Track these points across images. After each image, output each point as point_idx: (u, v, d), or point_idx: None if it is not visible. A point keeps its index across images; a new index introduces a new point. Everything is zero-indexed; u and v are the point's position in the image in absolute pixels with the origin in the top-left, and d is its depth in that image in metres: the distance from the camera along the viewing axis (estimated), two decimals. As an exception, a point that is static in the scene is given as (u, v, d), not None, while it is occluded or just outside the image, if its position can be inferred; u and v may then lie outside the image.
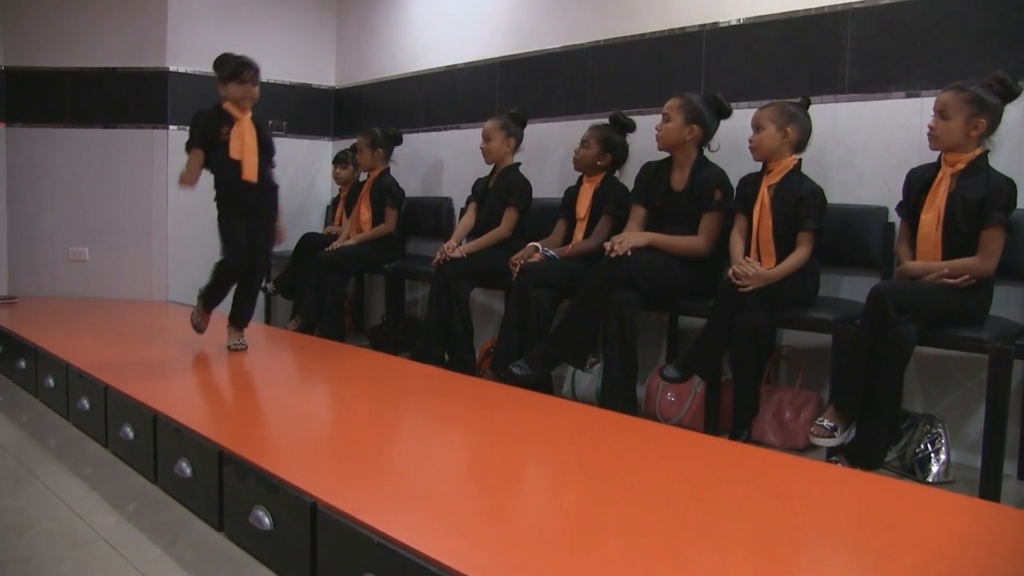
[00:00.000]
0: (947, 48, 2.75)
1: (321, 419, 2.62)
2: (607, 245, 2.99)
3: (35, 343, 3.36)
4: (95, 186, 4.97)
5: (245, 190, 3.21)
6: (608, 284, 2.91)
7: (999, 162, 2.51)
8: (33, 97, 4.97)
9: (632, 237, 3.00)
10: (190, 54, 4.88)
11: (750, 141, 2.86)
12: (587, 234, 3.43)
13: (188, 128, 3.27)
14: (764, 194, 2.82)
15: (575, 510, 1.80)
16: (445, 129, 4.62)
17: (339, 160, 4.87)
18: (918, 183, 2.57)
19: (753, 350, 2.67)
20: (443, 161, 4.65)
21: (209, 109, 3.26)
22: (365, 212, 4.40)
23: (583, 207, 3.46)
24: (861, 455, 2.42)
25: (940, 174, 2.50)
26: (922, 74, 2.81)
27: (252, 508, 1.86)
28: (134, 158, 4.91)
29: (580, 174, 3.54)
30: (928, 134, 2.51)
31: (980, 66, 2.62)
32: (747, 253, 2.83)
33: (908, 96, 2.84)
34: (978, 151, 2.45)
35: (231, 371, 3.13)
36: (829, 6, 3.02)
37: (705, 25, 3.39)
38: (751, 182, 2.90)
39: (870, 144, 2.94)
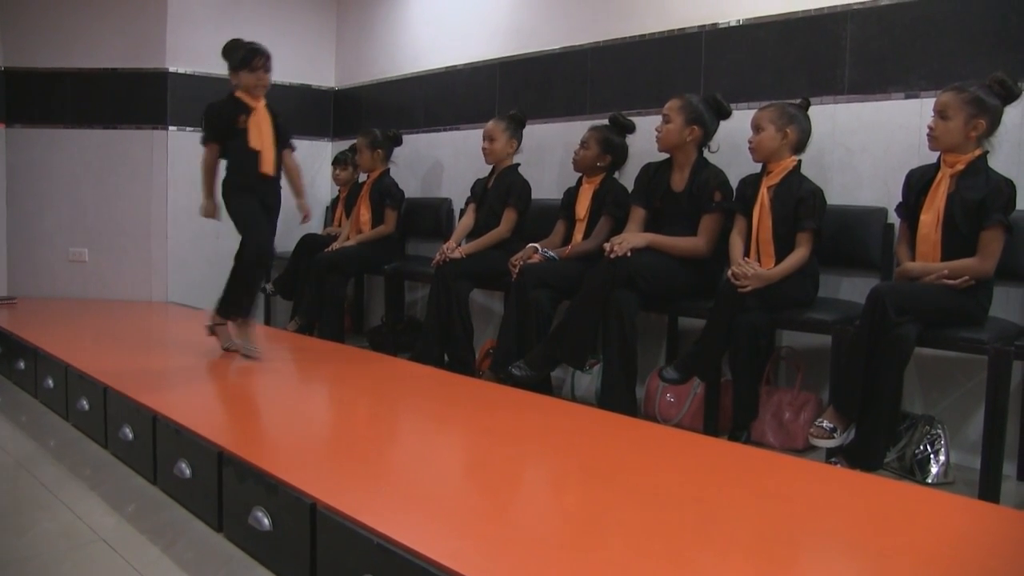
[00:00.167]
0: (946, 49, 2.76)
1: (320, 420, 2.62)
2: (607, 246, 2.99)
3: (35, 344, 3.36)
4: (95, 187, 4.97)
5: (262, 182, 3.17)
6: (608, 285, 2.91)
7: (998, 163, 2.51)
8: (33, 98, 4.97)
9: (632, 238, 3.00)
10: (190, 55, 4.88)
11: (750, 142, 2.86)
12: (586, 235, 3.43)
13: (203, 121, 3.24)
14: (764, 195, 2.82)
15: (575, 511, 1.80)
16: (444, 130, 4.62)
17: (339, 161, 4.87)
18: (917, 184, 2.57)
19: (752, 351, 2.68)
20: (442, 162, 4.65)
21: (222, 99, 3.20)
22: (365, 213, 4.40)
23: (582, 208, 3.46)
24: (860, 456, 2.42)
25: (939, 175, 2.50)
26: (921, 75, 2.81)
27: (251, 509, 1.85)
28: (134, 159, 4.91)
29: (579, 175, 3.54)
30: (928, 135, 2.51)
31: (979, 67, 2.62)
32: (747, 254, 2.84)
33: (907, 97, 2.84)
34: (977, 152, 2.45)
35: (230, 372, 3.12)
36: (829, 7, 3.02)
37: (705, 26, 3.39)
38: (751, 183, 2.90)
39: (869, 145, 2.94)
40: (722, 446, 2.40)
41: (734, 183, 3.02)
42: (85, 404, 2.80)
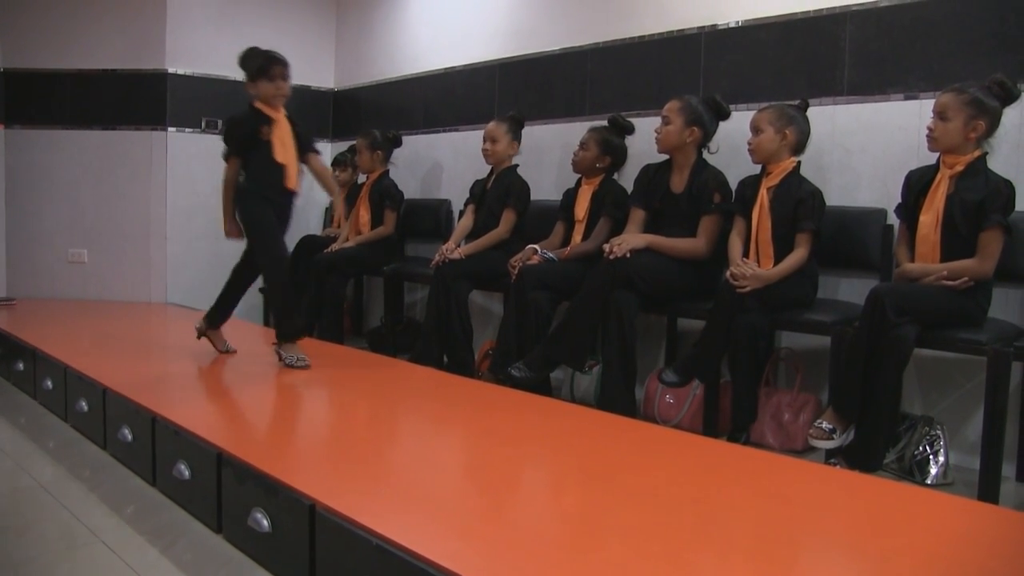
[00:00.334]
0: (945, 50, 2.76)
1: (320, 421, 2.62)
2: (606, 247, 2.99)
3: (34, 345, 3.36)
4: (94, 188, 4.97)
5: (284, 196, 3.10)
6: (607, 286, 2.91)
7: (998, 164, 2.51)
8: (32, 98, 4.97)
9: (631, 239, 3.00)
10: (189, 56, 4.88)
11: (749, 143, 2.87)
12: (586, 236, 3.43)
13: (223, 136, 3.15)
14: (763, 196, 2.82)
15: (574, 512, 1.80)
16: (444, 131, 4.63)
17: (338, 162, 4.87)
18: (917, 185, 2.58)
19: (752, 352, 2.68)
20: (442, 163, 4.66)
21: (242, 113, 3.10)
22: (364, 214, 4.40)
23: (582, 209, 3.47)
24: (860, 457, 2.42)
25: (939, 176, 2.50)
26: (920, 76, 2.81)
27: (251, 510, 1.85)
28: (133, 160, 4.91)
29: (579, 176, 3.54)
30: (927, 135, 2.51)
31: (978, 68, 2.62)
32: (746, 255, 2.84)
33: (907, 98, 2.85)
34: (977, 153, 2.45)
35: (230, 373, 3.12)
36: (828, 8, 3.02)
37: (704, 27, 3.40)
38: (750, 184, 2.91)
39: (869, 146, 2.94)
40: (721, 447, 2.40)
41: (733, 184, 3.02)
42: (84, 405, 2.79)
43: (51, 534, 2.03)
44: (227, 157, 3.11)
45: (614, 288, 2.90)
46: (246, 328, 4.45)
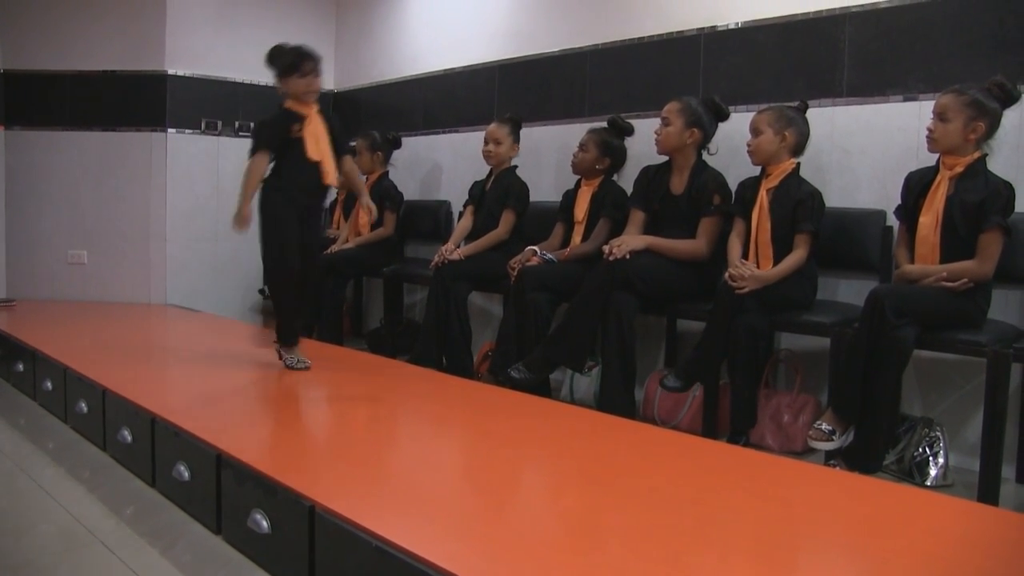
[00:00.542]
0: (945, 52, 2.76)
1: (319, 422, 2.62)
2: (605, 248, 2.99)
3: (33, 346, 3.36)
4: (94, 189, 4.96)
5: (319, 195, 3.03)
6: (606, 287, 2.91)
7: (997, 166, 2.51)
8: (32, 100, 4.97)
9: (630, 240, 3.00)
10: (189, 57, 4.88)
11: (748, 145, 2.87)
12: (585, 237, 3.43)
13: (253, 135, 3.08)
14: (763, 198, 2.82)
15: (573, 514, 1.80)
16: (443, 132, 4.63)
17: (338, 163, 4.86)
18: (916, 186, 2.58)
19: (751, 353, 2.68)
20: (441, 164, 4.66)
21: (272, 115, 3.01)
22: (364, 215, 4.39)
23: (581, 210, 3.47)
24: (859, 458, 2.42)
25: (938, 177, 2.50)
26: (920, 78, 2.82)
27: (250, 511, 1.85)
28: (133, 161, 4.91)
29: (578, 177, 3.54)
30: (927, 137, 2.52)
31: (978, 70, 2.62)
32: (745, 256, 2.84)
33: (906, 100, 2.85)
34: (976, 154, 2.45)
35: (229, 374, 3.12)
36: (827, 10, 3.02)
37: (703, 29, 3.40)
38: (750, 186, 2.91)
39: (868, 147, 2.94)
40: (721, 449, 2.40)
41: (733, 186, 3.02)
42: (84, 406, 2.79)
43: (51, 535, 2.03)
44: (255, 151, 2.95)
45: (613, 289, 2.90)
46: (245, 329, 4.45)
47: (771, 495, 1.91)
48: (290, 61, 2.92)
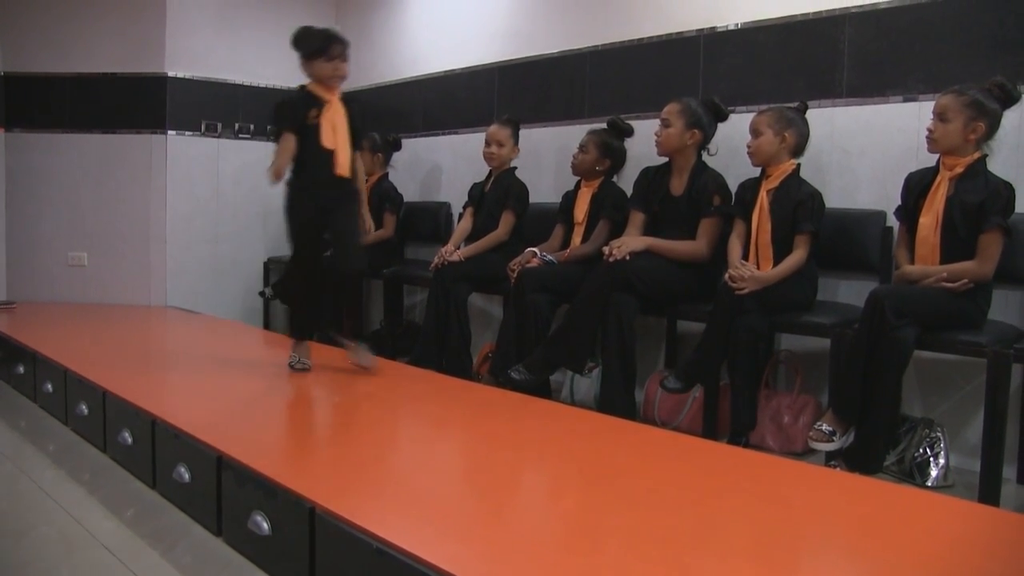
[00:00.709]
0: (944, 52, 2.76)
1: (319, 424, 2.62)
2: (605, 249, 2.99)
3: (34, 348, 3.36)
4: (94, 191, 4.97)
5: (335, 184, 2.88)
6: (606, 288, 2.91)
7: (997, 166, 2.51)
8: (32, 102, 4.97)
9: (630, 241, 3.00)
10: (188, 59, 4.88)
11: (748, 146, 2.87)
12: (585, 238, 3.44)
13: (272, 118, 2.95)
14: (763, 199, 2.83)
15: (573, 515, 1.80)
16: (443, 134, 4.63)
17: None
18: (916, 187, 2.58)
19: (752, 354, 2.67)
20: (441, 166, 4.66)
21: (292, 95, 2.93)
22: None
23: (581, 211, 3.47)
24: (860, 459, 2.41)
25: (938, 178, 2.50)
26: (919, 78, 2.82)
27: (250, 513, 1.85)
28: (133, 163, 4.91)
29: (578, 179, 3.55)
30: (927, 137, 2.52)
31: (977, 70, 2.62)
32: (745, 257, 2.84)
33: (906, 100, 2.85)
34: (976, 155, 2.45)
35: (229, 376, 3.12)
36: (827, 11, 3.02)
37: (703, 30, 3.40)
38: (750, 187, 2.91)
39: (868, 148, 2.94)
40: (721, 450, 2.40)
41: (732, 187, 3.02)
42: (84, 408, 2.79)
43: (51, 537, 2.03)
44: (279, 133, 2.83)
45: (613, 290, 2.90)
46: (245, 331, 4.45)
47: (772, 496, 1.91)
48: (319, 44, 2.84)
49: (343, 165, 2.87)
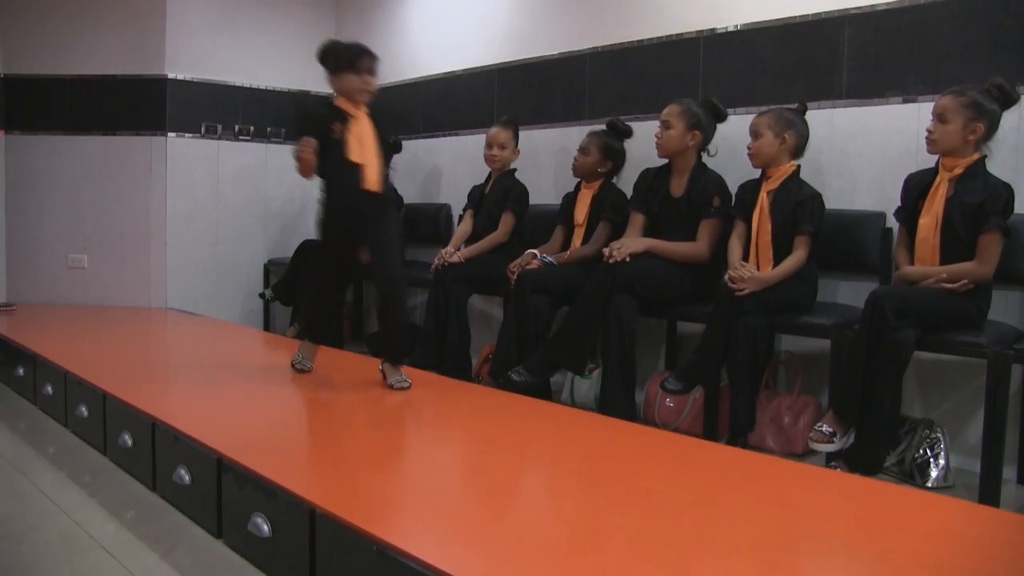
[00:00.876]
0: (944, 53, 2.76)
1: (320, 426, 2.61)
2: (605, 251, 2.99)
3: (33, 350, 3.36)
4: (94, 193, 4.97)
5: (365, 199, 2.77)
6: (606, 290, 2.91)
7: (996, 167, 2.51)
8: (31, 104, 4.97)
9: (630, 243, 3.00)
10: (188, 61, 4.89)
11: (748, 148, 2.87)
12: (585, 240, 3.44)
13: (298, 128, 2.84)
14: (763, 200, 2.83)
15: (574, 516, 1.80)
16: (443, 136, 4.63)
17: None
18: (916, 188, 2.58)
19: (752, 355, 2.67)
20: (441, 167, 4.66)
21: (318, 108, 2.86)
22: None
23: (581, 213, 3.47)
24: (860, 460, 2.42)
25: (938, 179, 2.50)
26: (919, 79, 2.82)
27: (251, 515, 1.85)
28: (133, 165, 4.91)
29: (578, 180, 3.55)
30: (926, 138, 2.52)
31: (977, 72, 2.63)
32: (745, 259, 2.84)
33: (905, 101, 2.85)
34: (976, 156, 2.45)
35: (229, 378, 3.12)
36: (826, 12, 3.03)
37: (703, 31, 3.40)
38: (750, 188, 2.91)
39: (867, 149, 2.95)
40: (721, 451, 2.40)
41: (732, 188, 3.02)
42: (84, 411, 2.79)
43: (51, 540, 2.03)
44: (299, 137, 2.76)
45: (613, 292, 2.90)
46: (245, 333, 4.45)
47: (772, 497, 1.91)
48: (347, 57, 2.77)
49: (372, 179, 2.77)
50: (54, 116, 4.96)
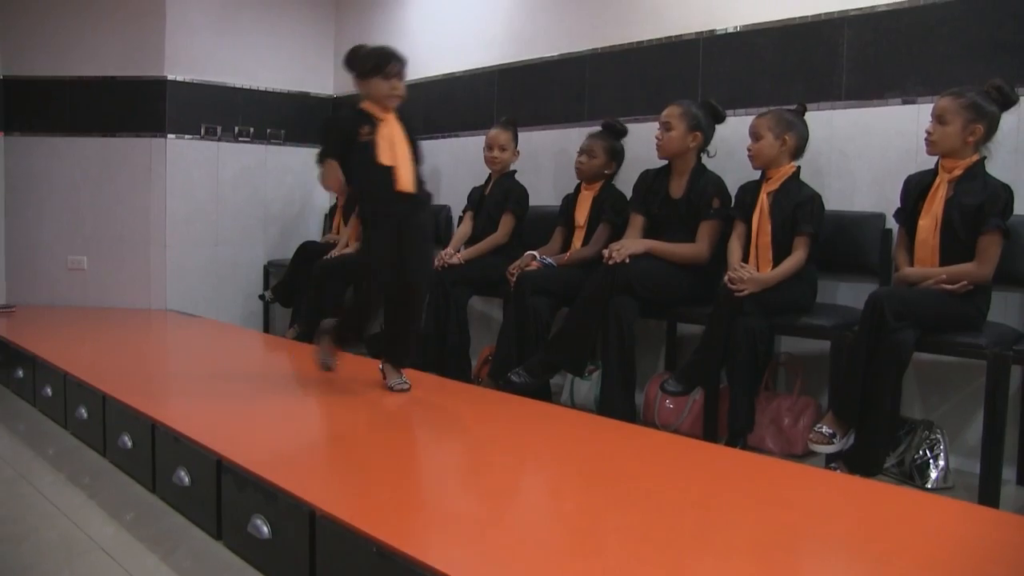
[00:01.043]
0: (943, 55, 2.77)
1: (319, 427, 2.61)
2: (605, 252, 2.99)
3: (33, 352, 3.36)
4: (93, 195, 4.97)
5: (399, 201, 2.71)
6: (606, 291, 2.91)
7: (996, 168, 2.52)
8: (31, 106, 4.97)
9: (630, 244, 3.00)
10: (188, 62, 4.89)
11: (748, 149, 2.87)
12: (585, 242, 3.44)
13: (322, 137, 2.84)
14: (763, 201, 2.83)
15: (574, 517, 1.80)
16: (443, 137, 4.63)
17: (337, 168, 4.86)
18: (915, 189, 2.58)
19: (751, 356, 2.67)
20: (441, 169, 4.66)
21: (343, 113, 2.75)
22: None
23: (582, 215, 3.47)
24: (860, 461, 2.41)
25: (937, 180, 2.51)
26: (918, 81, 2.82)
27: (251, 517, 1.85)
28: (132, 167, 4.91)
29: (578, 182, 3.55)
30: (926, 139, 2.52)
31: (976, 73, 2.63)
32: (745, 260, 2.84)
33: (904, 103, 2.85)
34: (975, 157, 2.46)
35: (229, 380, 3.12)
36: (826, 14, 3.03)
37: (702, 33, 3.40)
38: (750, 190, 2.91)
39: (866, 151, 2.95)
40: (721, 452, 2.40)
41: (732, 189, 3.02)
42: (84, 412, 2.79)
43: (51, 541, 2.03)
44: (321, 159, 2.70)
45: (613, 293, 2.90)
46: (245, 334, 4.45)
47: (771, 498, 1.91)
48: (375, 62, 2.73)
49: (405, 180, 2.72)
50: (54, 117, 4.96)
